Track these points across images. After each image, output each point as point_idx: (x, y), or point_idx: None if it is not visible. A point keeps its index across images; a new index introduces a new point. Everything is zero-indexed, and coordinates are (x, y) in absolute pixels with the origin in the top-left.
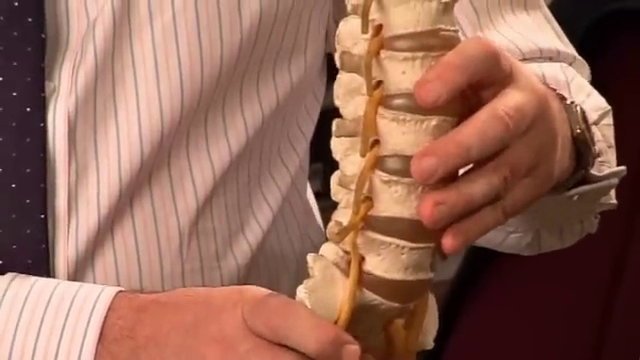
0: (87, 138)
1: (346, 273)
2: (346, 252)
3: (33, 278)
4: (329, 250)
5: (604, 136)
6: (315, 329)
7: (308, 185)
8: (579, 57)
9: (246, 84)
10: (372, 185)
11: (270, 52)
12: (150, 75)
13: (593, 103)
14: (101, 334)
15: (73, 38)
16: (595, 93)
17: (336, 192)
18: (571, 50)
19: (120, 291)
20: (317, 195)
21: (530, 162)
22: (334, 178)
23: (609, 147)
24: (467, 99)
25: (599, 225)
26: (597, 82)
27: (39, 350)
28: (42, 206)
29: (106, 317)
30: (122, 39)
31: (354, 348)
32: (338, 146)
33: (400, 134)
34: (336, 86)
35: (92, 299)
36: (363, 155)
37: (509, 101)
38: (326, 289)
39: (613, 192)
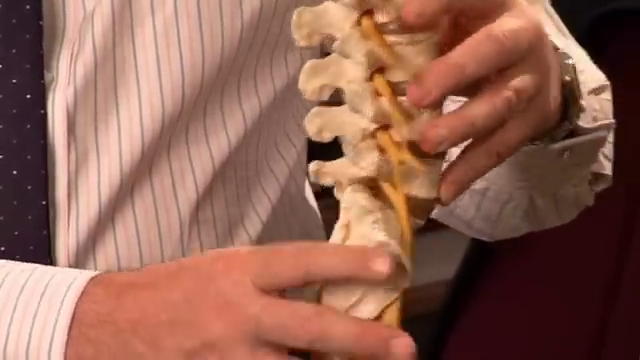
0: (87, 128)
1: (390, 207)
2: (372, 194)
3: (10, 264)
4: (361, 198)
5: (602, 108)
6: (341, 251)
7: (307, 184)
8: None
9: (244, 76)
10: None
11: (269, 44)
12: (151, 67)
13: (592, 74)
14: (75, 318)
15: (70, 28)
16: (592, 66)
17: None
18: (571, 39)
19: (95, 276)
20: (317, 195)
21: (533, 88)
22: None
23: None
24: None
25: (599, 224)
26: None
27: (12, 335)
28: (43, 193)
29: (79, 301)
30: (123, 30)
31: (385, 258)
32: (310, 85)
33: (415, 55)
34: (295, 28)
35: (65, 285)
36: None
37: (504, 24)
38: (391, 226)
39: (608, 164)
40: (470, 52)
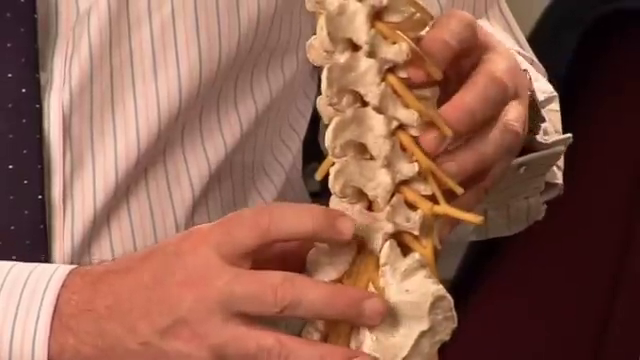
0: (82, 130)
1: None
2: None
3: None
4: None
5: (550, 120)
6: (304, 211)
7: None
8: (537, 61)
9: (241, 80)
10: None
11: (267, 48)
12: (148, 70)
13: (539, 86)
14: (57, 310)
15: (62, 26)
16: (542, 78)
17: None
18: (530, 53)
19: (73, 269)
20: (315, 195)
21: (525, 119)
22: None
23: (555, 131)
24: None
25: (600, 225)
26: (597, 82)
27: None
28: (40, 187)
29: (60, 294)
30: (120, 32)
31: (348, 219)
32: (338, 142)
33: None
34: (327, 86)
35: (45, 279)
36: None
37: (499, 64)
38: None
39: (560, 173)
40: (479, 97)
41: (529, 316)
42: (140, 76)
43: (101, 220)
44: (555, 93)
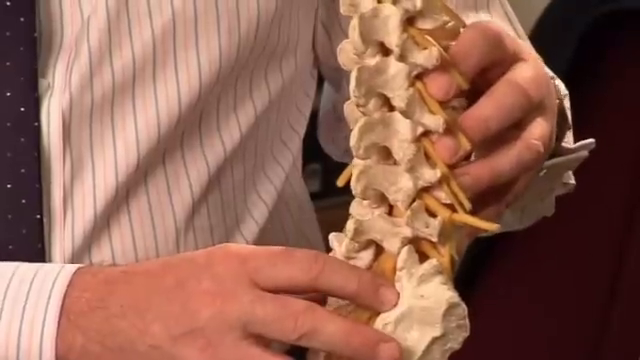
0: (82, 135)
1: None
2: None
3: None
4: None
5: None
6: (353, 273)
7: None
8: (538, 56)
9: (240, 83)
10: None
11: (266, 52)
12: (147, 75)
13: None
14: (64, 309)
15: (67, 37)
16: (556, 78)
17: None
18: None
19: (80, 267)
20: (315, 195)
21: (550, 135)
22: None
23: (569, 129)
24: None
25: (600, 222)
26: (597, 82)
27: (1, 331)
28: (38, 206)
29: (67, 293)
30: (120, 37)
31: (391, 290)
32: (363, 143)
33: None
34: (355, 86)
35: (51, 278)
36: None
37: (523, 72)
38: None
39: (570, 173)
40: (495, 105)
41: (528, 316)
42: (140, 81)
43: (101, 225)
44: (567, 92)
